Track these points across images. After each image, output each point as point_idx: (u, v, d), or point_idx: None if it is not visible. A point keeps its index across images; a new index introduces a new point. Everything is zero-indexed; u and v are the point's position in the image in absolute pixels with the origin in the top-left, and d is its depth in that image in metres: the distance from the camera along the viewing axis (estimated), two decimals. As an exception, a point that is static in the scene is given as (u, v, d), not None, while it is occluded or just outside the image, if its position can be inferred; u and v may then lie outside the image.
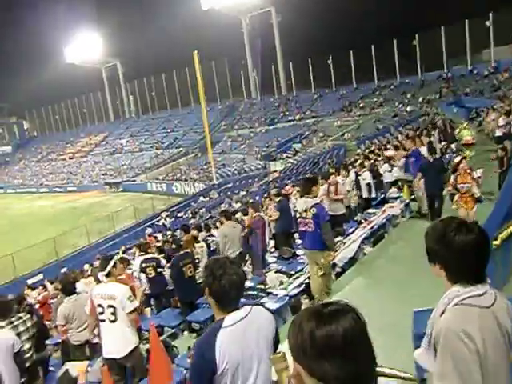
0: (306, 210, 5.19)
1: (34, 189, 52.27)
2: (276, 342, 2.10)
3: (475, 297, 1.58)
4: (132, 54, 60.02)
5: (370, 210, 8.87)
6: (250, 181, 29.16)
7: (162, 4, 52.87)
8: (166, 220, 23.45)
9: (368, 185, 9.58)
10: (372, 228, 7.59)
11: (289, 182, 20.83)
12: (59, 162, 60.16)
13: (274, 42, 49.05)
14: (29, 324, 4.95)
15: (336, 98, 42.77)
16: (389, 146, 12.62)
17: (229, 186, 30.21)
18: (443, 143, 13.67)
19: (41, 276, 18.59)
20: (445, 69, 38.06)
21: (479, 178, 7.04)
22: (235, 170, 35.62)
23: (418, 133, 13.13)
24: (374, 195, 9.78)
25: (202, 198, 28.87)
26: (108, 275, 4.20)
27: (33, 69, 66.45)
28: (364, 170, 9.80)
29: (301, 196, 5.70)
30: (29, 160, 65.99)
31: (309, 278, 5.92)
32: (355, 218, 8.82)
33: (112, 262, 4.25)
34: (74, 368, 4.95)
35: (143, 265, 6.96)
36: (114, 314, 4.06)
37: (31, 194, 49.36)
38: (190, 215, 23.02)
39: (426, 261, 1.79)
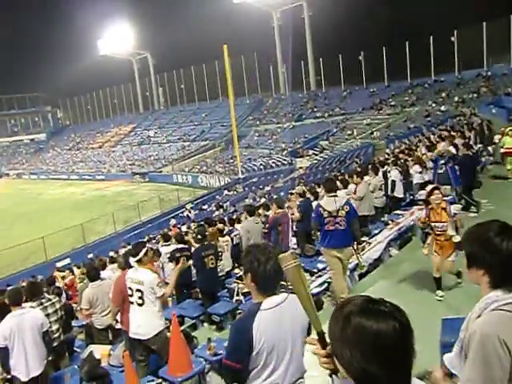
0: (338, 210, 5.24)
1: (65, 176, 53.80)
2: (309, 329, 2.17)
3: None
4: (162, 47, 60.58)
5: (398, 212, 8.67)
6: (275, 176, 29.07)
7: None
8: (190, 212, 23.68)
9: (393, 182, 9.36)
10: (399, 230, 7.42)
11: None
12: (89, 151, 61.67)
13: (304, 37, 48.56)
14: (57, 306, 5.14)
15: (366, 95, 41.98)
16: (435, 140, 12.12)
17: (254, 180, 30.22)
18: (479, 145, 13.20)
19: (68, 260, 19.16)
20: (485, 67, 36.52)
21: (455, 215, 5.36)
22: (261, 164, 35.58)
23: (451, 133, 12.72)
24: (400, 195, 9.55)
25: (226, 192, 29.00)
26: (139, 261, 4.30)
27: (68, 60, 68.14)
28: (394, 167, 9.58)
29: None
30: (61, 148, 67.91)
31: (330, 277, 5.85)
32: (382, 219, 8.66)
33: (144, 250, 4.35)
34: (98, 351, 5.08)
35: (177, 254, 7.03)
36: (141, 298, 4.22)
37: (62, 181, 50.82)
38: (214, 208, 23.16)
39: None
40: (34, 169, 61.45)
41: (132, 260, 4.32)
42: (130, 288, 4.27)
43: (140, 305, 4.24)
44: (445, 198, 5.43)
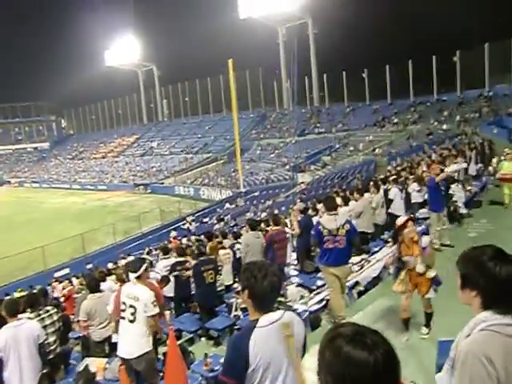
0: (338, 228, 5.24)
1: (67, 185, 53.97)
2: (304, 347, 2.22)
3: (502, 325, 1.59)
4: (168, 59, 61.44)
5: (398, 229, 8.65)
6: (276, 191, 29.11)
7: (201, 11, 54.01)
8: (190, 224, 23.67)
9: (391, 201, 9.39)
10: (399, 248, 7.40)
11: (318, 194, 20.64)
12: (92, 161, 61.99)
13: (309, 53, 49.18)
14: (55, 318, 5.13)
15: (369, 112, 42.36)
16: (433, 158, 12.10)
17: (255, 194, 30.26)
18: (479, 165, 13.24)
19: (67, 270, 19.08)
20: (486, 87, 36.92)
21: (424, 248, 4.74)
22: (263, 178, 35.68)
23: (453, 152, 12.76)
24: (400, 213, 9.54)
25: (227, 205, 29.00)
26: (138, 278, 4.27)
27: (74, 70, 69.04)
28: (393, 185, 9.61)
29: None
30: (64, 157, 68.29)
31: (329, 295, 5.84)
32: (382, 237, 8.65)
33: (144, 266, 4.32)
34: (94, 364, 5.05)
35: (178, 267, 7.02)
36: (133, 314, 4.13)
37: (64, 190, 50.99)
38: (215, 221, 23.15)
39: (454, 286, 1.83)
40: (36, 177, 61.69)
41: (132, 276, 4.28)
42: (123, 303, 4.19)
43: (131, 321, 4.14)
44: (418, 229, 5.20)
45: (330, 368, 1.11)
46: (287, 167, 35.87)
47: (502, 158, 10.89)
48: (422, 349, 4.19)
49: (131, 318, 4.14)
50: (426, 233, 5.84)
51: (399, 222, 4.84)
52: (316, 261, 8.04)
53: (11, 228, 29.30)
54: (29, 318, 4.63)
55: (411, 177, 10.30)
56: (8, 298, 6.24)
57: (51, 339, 4.98)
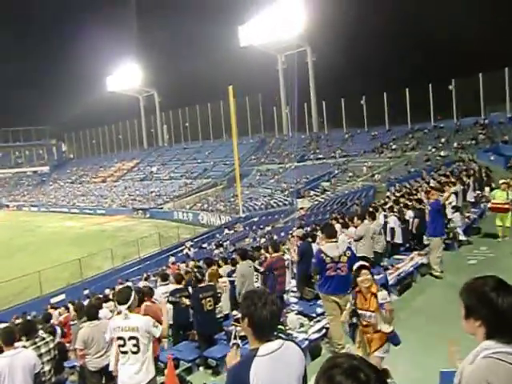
0: (340, 256, 5.26)
1: (66, 209, 54.00)
2: (305, 378, 2.18)
3: (505, 353, 1.64)
4: (169, 85, 62.73)
5: (398, 256, 8.65)
6: (276, 216, 29.10)
7: (202, 38, 55.41)
8: (189, 250, 23.49)
9: (392, 229, 9.41)
10: (399, 275, 7.38)
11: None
12: (91, 185, 62.20)
13: (308, 80, 50.20)
14: (51, 345, 5.05)
15: (368, 138, 42.90)
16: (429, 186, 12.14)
17: (255, 219, 30.21)
18: (478, 192, 13.31)
19: (63, 296, 18.84)
20: (482, 115, 37.61)
21: (382, 305, 3.98)
22: (262, 204, 35.71)
23: (451, 179, 12.85)
24: (399, 241, 9.56)
25: (227, 230, 28.92)
26: (129, 307, 4.20)
27: (76, 95, 70.27)
28: (391, 214, 9.65)
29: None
30: (63, 181, 68.53)
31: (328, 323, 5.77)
32: (381, 264, 8.61)
33: (132, 295, 4.25)
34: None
35: (177, 294, 6.95)
36: (136, 345, 4.03)
37: (63, 214, 50.95)
38: (214, 247, 23.01)
39: (456, 315, 1.88)
40: (34, 201, 61.74)
41: (123, 308, 4.19)
42: (120, 338, 4.06)
43: (135, 353, 4.05)
44: (376, 277, 4.65)
45: None
46: (286, 193, 36.00)
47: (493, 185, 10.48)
48: (424, 380, 4.12)
49: (134, 349, 4.04)
50: (384, 285, 5.03)
51: (354, 267, 4.30)
52: (316, 288, 8.02)
53: (8, 252, 29.09)
54: (23, 347, 4.55)
55: (410, 204, 10.35)
56: (5, 326, 6.15)
57: (47, 368, 4.87)
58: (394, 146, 38.04)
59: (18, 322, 10.25)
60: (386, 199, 16.15)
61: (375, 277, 5.00)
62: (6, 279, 18.93)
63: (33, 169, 78.48)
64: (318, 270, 5.41)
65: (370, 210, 11.01)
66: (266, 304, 2.13)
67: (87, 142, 79.00)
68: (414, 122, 41.81)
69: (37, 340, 4.90)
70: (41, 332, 5.38)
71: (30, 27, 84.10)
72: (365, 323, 4.10)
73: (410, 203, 10.39)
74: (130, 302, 4.15)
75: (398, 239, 9.16)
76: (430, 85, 40.79)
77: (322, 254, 5.30)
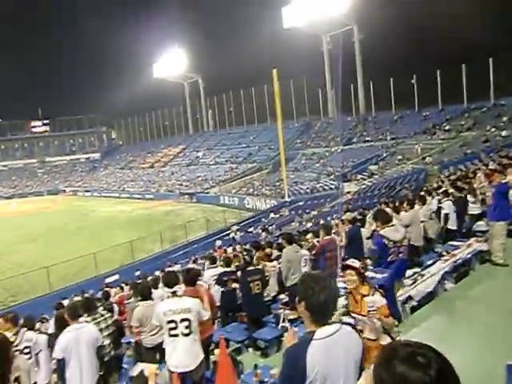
0: (402, 239, 5.17)
1: (117, 194, 56.21)
2: (362, 362, 2.17)
3: None
4: (213, 70, 62.96)
5: (454, 243, 8.25)
6: (321, 200, 28.77)
7: (245, 22, 54.93)
8: (235, 234, 23.83)
9: (446, 215, 8.97)
10: (455, 262, 7.04)
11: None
12: (140, 171, 64.24)
13: (354, 60, 48.53)
14: (109, 322, 5.31)
15: (418, 119, 40.99)
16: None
17: (300, 204, 30.05)
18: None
19: (117, 276, 19.71)
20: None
21: (374, 311, 3.36)
22: (308, 188, 35.40)
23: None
24: (454, 227, 9.09)
25: (272, 215, 28.99)
26: (174, 292, 4.29)
27: (124, 83, 72.35)
28: (446, 199, 9.18)
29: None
30: (114, 167, 71.27)
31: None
32: (435, 250, 8.27)
33: (179, 284, 4.34)
34: (145, 369, 5.15)
35: (225, 277, 7.07)
36: (188, 327, 4.12)
37: (114, 199, 53.14)
38: (260, 231, 23.18)
39: None
40: (87, 186, 64.82)
41: (167, 290, 4.27)
42: (171, 321, 4.12)
43: (186, 335, 4.13)
44: (375, 276, 4.06)
45: None
46: (332, 177, 35.43)
47: None
48: (490, 375, 3.91)
49: (186, 331, 4.12)
50: (383, 286, 4.19)
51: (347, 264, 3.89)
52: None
53: (65, 235, 30.82)
54: (86, 322, 4.82)
55: (467, 187, 9.80)
56: (68, 302, 6.59)
57: (106, 342, 5.15)
58: (447, 127, 36.00)
59: (77, 299, 10.85)
60: (439, 183, 15.43)
61: (378, 276, 4.63)
62: (64, 260, 20.08)
63: (85, 156, 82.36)
64: (379, 256, 5.23)
65: (421, 194, 10.61)
66: (324, 288, 2.12)
67: (135, 128, 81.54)
68: (470, 100, 39.03)
69: (96, 316, 5.18)
70: (100, 309, 5.66)
71: (80, 17, 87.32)
72: (359, 328, 3.45)
73: (466, 187, 9.85)
74: (175, 288, 4.24)
75: (453, 225, 8.73)
76: (491, 59, 37.86)
77: (384, 239, 5.13)
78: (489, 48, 36.89)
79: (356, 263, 3.79)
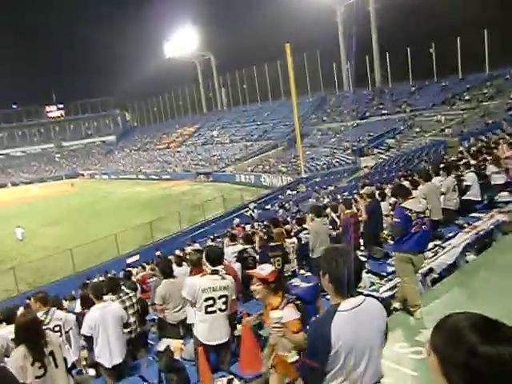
0: (425, 210, 5.10)
1: (134, 175, 56.81)
2: (386, 334, 2.22)
3: None
4: (225, 47, 62.11)
5: (475, 214, 8.11)
6: (338, 176, 28.56)
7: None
8: (253, 211, 23.93)
9: (467, 187, 8.79)
10: (477, 234, 6.94)
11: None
12: (156, 152, 64.56)
13: (369, 31, 47.13)
14: (134, 300, 5.45)
15: (437, 90, 39.79)
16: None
17: (317, 180, 29.90)
18: None
19: (137, 257, 20.13)
20: None
21: (279, 327, 2.62)
22: (324, 164, 35.13)
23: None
24: (477, 198, 8.92)
25: (289, 191, 28.96)
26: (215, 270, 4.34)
27: (136, 65, 72.35)
28: (468, 170, 8.97)
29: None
30: (129, 149, 71.83)
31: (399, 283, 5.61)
32: (456, 222, 8.15)
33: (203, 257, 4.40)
34: (171, 344, 5.30)
35: (245, 255, 7.15)
36: (225, 303, 4.20)
37: (131, 180, 53.72)
38: (278, 208, 23.22)
39: None
40: (105, 169, 65.59)
41: (210, 268, 4.32)
42: (210, 298, 4.14)
43: (223, 310, 4.21)
44: (300, 284, 3.45)
45: (469, 370, 1.02)
46: (349, 151, 35.02)
47: None
48: None
49: (223, 307, 4.19)
50: (302, 297, 3.26)
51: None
52: (385, 247, 7.83)
53: (86, 217, 31.44)
54: (111, 300, 4.96)
55: (489, 158, 9.56)
56: (92, 282, 6.80)
57: (132, 320, 5.30)
58: (467, 97, 34.87)
59: (101, 278, 11.16)
60: (459, 154, 15.10)
61: (303, 284, 3.57)
62: (86, 242, 20.57)
63: (101, 139, 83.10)
64: (402, 230, 5.14)
65: (441, 166, 10.40)
66: (348, 261, 2.14)
67: (149, 109, 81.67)
68: (492, 68, 37.46)
69: (121, 295, 5.32)
70: (124, 288, 5.80)
71: (93, 1, 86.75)
72: (272, 342, 3.09)
73: (488, 157, 9.61)
74: (218, 266, 4.28)
75: (476, 196, 8.55)
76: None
77: (407, 212, 5.06)
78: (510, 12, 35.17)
79: (264, 271, 3.10)
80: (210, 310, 4.20)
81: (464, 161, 10.50)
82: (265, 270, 3.17)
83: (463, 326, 1.09)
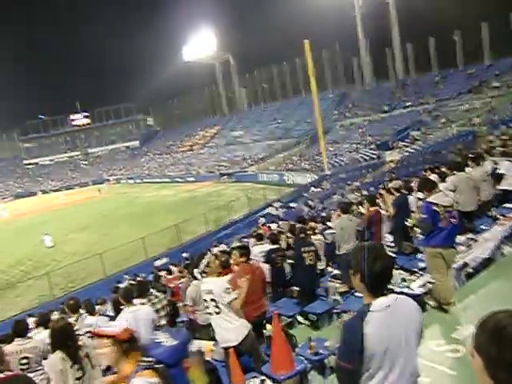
0: (454, 203, 4.96)
1: (158, 179, 57.53)
2: (421, 333, 2.15)
3: None
4: (243, 47, 62.33)
5: (510, 205, 7.81)
6: (363, 171, 28.14)
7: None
8: (277, 210, 23.84)
9: (501, 176, 8.46)
10: (514, 225, 6.67)
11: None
12: (179, 154, 65.26)
13: (389, 22, 46.21)
14: (164, 302, 5.50)
15: (463, 78, 38.67)
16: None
17: (341, 176, 29.55)
18: None
19: (166, 259, 20.31)
20: None
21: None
22: (348, 159, 34.69)
23: None
24: (510, 187, 8.58)
25: (313, 189, 28.72)
26: (203, 272, 4.43)
27: (156, 70, 73.50)
28: (504, 159, 8.64)
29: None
30: (153, 153, 72.86)
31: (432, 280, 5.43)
32: (489, 214, 7.87)
33: (205, 261, 4.46)
34: (202, 345, 5.32)
35: (272, 255, 7.14)
36: (216, 306, 4.32)
37: (156, 184, 54.41)
38: (303, 206, 23.05)
39: None
40: (130, 174, 66.68)
41: (196, 271, 4.45)
42: (204, 300, 4.43)
43: (217, 313, 4.35)
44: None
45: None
46: (373, 146, 34.47)
47: None
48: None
49: (216, 310, 4.34)
50: (163, 361, 2.63)
51: None
52: (415, 242, 7.63)
53: (114, 222, 32.05)
54: (142, 304, 5.00)
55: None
56: (123, 285, 6.91)
57: (163, 322, 5.34)
58: (496, 84, 33.65)
59: (131, 282, 11.32)
60: (490, 144, 14.60)
61: (164, 340, 2.98)
62: (115, 246, 20.93)
63: (125, 144, 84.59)
64: (430, 225, 4.98)
65: (471, 156, 10.06)
66: (378, 259, 2.08)
67: (171, 113, 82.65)
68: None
69: (151, 297, 5.37)
70: (154, 291, 5.86)
71: (110, 7, 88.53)
72: None
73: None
74: (201, 268, 4.42)
75: (511, 186, 8.24)
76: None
77: (434, 206, 4.91)
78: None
79: (116, 327, 2.57)
80: (207, 311, 4.52)
81: (500, 149, 10.11)
82: (116, 326, 2.63)
83: (506, 324, 1.04)
